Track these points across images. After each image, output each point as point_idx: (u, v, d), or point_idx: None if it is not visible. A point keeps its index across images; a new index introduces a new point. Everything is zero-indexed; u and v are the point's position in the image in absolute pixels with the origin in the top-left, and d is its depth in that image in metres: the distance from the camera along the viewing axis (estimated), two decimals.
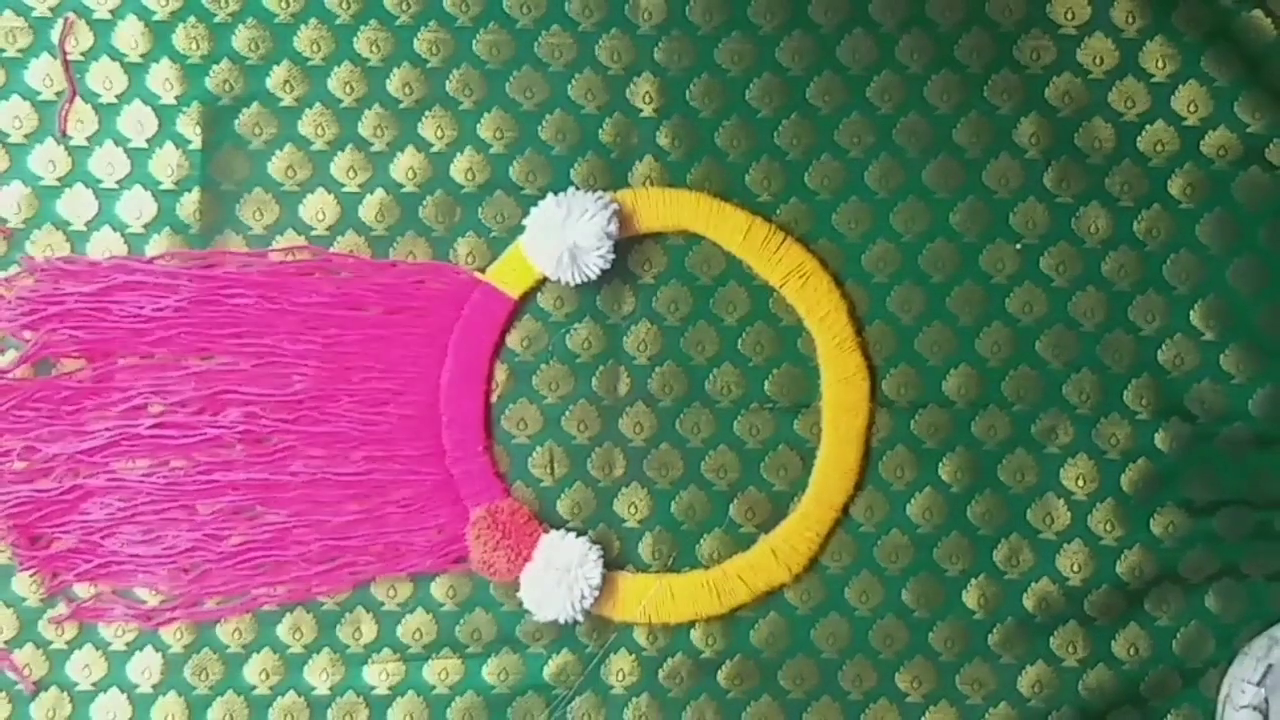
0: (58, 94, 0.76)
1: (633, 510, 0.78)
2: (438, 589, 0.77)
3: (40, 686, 0.76)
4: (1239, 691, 0.75)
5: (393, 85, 0.77)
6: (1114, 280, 0.78)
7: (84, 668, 0.76)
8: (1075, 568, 0.78)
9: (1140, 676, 0.78)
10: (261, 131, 0.77)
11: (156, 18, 0.76)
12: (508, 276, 0.77)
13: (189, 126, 0.76)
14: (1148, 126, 0.78)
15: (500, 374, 0.77)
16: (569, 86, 0.77)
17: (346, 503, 0.76)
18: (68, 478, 0.75)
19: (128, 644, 0.76)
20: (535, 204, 0.76)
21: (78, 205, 0.76)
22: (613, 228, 0.74)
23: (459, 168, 0.77)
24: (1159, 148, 0.78)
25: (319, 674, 0.77)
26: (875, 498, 0.78)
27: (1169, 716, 0.78)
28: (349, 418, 0.76)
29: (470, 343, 0.77)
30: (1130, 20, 0.78)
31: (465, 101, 0.77)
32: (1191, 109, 0.78)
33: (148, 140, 0.76)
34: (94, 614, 0.76)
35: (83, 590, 0.76)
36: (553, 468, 0.77)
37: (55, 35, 0.76)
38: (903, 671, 0.78)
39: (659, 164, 0.77)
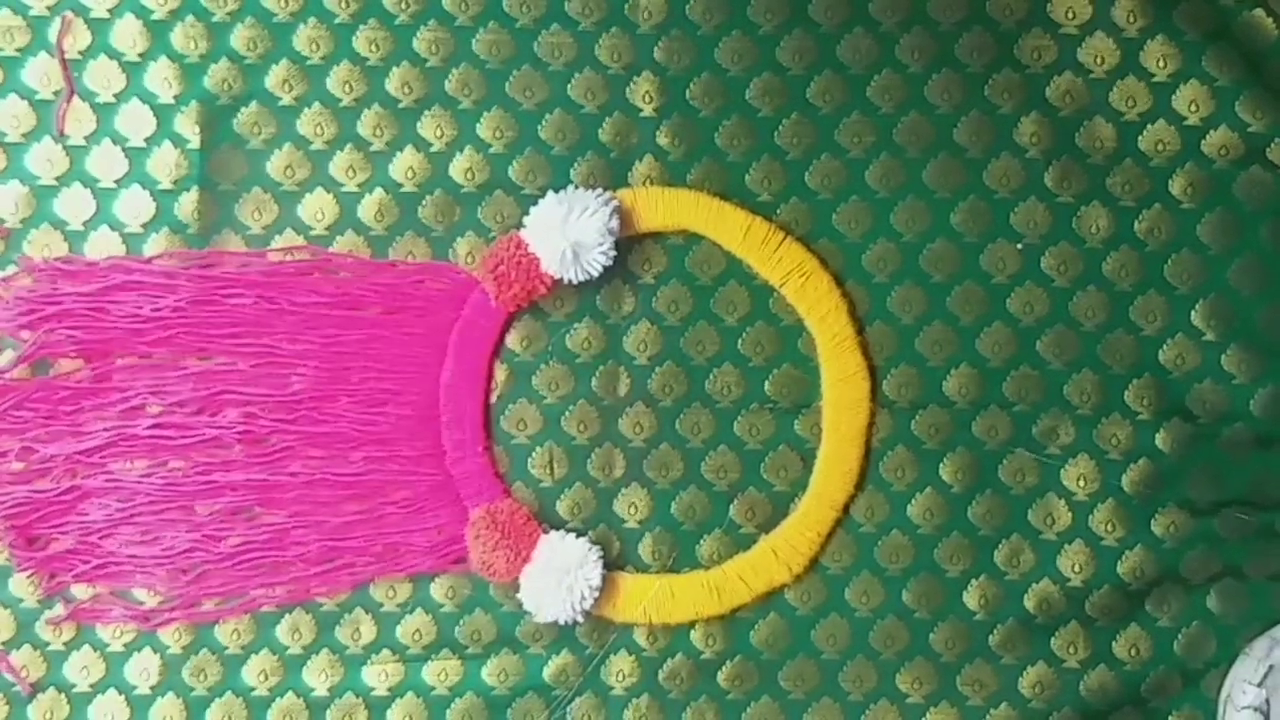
0: (55, 93, 0.76)
1: (633, 510, 0.78)
2: (437, 590, 0.77)
3: (38, 688, 0.76)
4: (1240, 692, 0.75)
5: (392, 85, 0.77)
6: (1115, 280, 0.78)
7: (82, 669, 0.76)
8: (1076, 568, 0.78)
9: (1141, 677, 0.78)
10: (260, 131, 0.76)
11: (155, 17, 0.76)
12: None
13: (187, 126, 0.76)
14: (1149, 126, 0.78)
15: (500, 374, 0.77)
16: (569, 86, 0.77)
17: (346, 503, 0.76)
18: (65, 478, 0.75)
19: (126, 645, 0.76)
20: (535, 204, 0.76)
21: (75, 205, 0.76)
22: (614, 224, 0.74)
23: (458, 167, 0.77)
24: (1160, 147, 0.78)
25: (318, 675, 0.77)
26: (876, 498, 0.78)
27: (1170, 717, 0.78)
28: (348, 418, 0.75)
29: (470, 343, 0.76)
30: (1131, 20, 0.78)
31: (465, 101, 0.77)
32: (1192, 109, 0.78)
33: (146, 140, 0.76)
34: (92, 615, 0.76)
35: (81, 591, 0.76)
36: (553, 468, 0.77)
37: (53, 34, 0.76)
38: (903, 672, 0.78)
39: (659, 164, 0.77)
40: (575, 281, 0.75)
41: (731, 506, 0.78)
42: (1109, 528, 0.78)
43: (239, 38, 0.76)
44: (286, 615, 0.77)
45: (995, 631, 0.78)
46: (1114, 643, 0.78)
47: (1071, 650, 0.78)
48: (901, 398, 0.78)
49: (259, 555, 0.76)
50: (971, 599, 0.78)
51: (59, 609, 0.76)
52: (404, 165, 0.77)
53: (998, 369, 0.78)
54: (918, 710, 0.78)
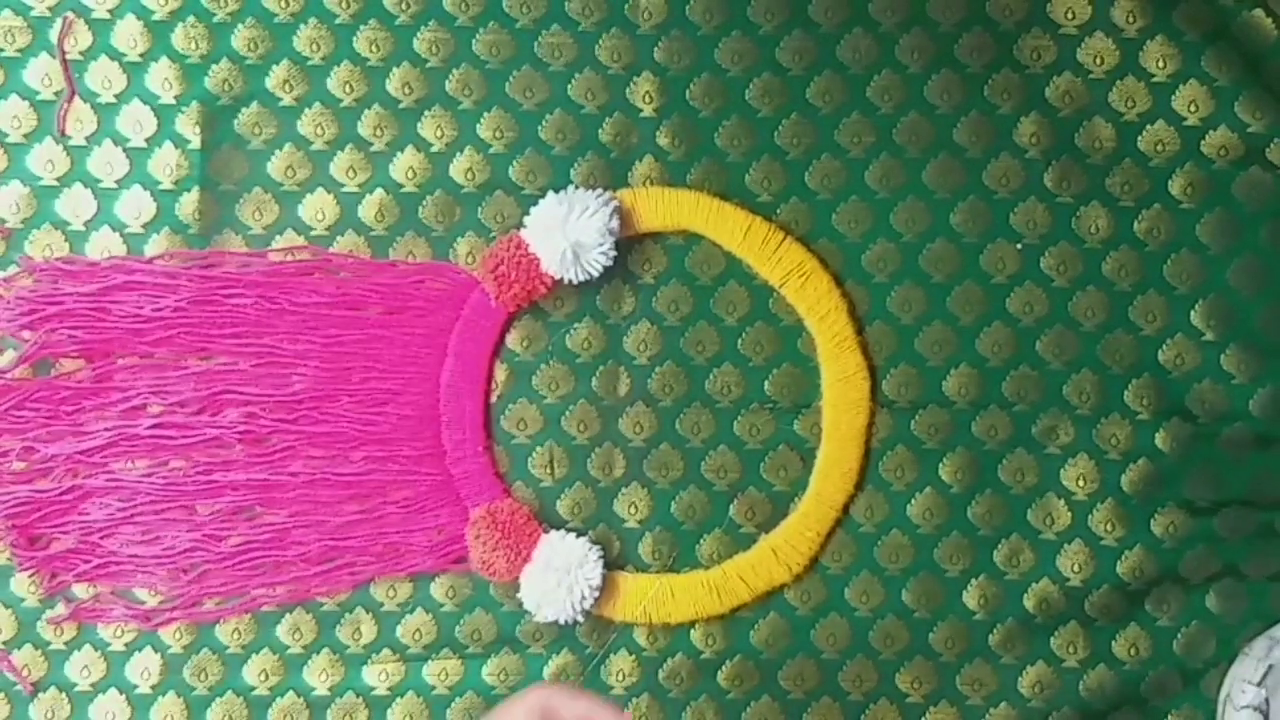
0: (56, 93, 0.76)
1: (633, 510, 0.78)
2: (438, 589, 0.77)
3: (39, 687, 0.76)
4: (1239, 692, 0.75)
5: (392, 85, 0.77)
6: (1114, 280, 0.78)
7: (83, 668, 0.76)
8: (1076, 568, 0.78)
9: (1141, 677, 0.78)
10: (261, 131, 0.77)
11: (155, 17, 0.76)
12: None
13: (188, 126, 0.76)
14: (1148, 126, 0.78)
15: (500, 374, 0.77)
16: (569, 86, 0.77)
17: (346, 503, 0.76)
18: (67, 478, 0.75)
19: (127, 644, 0.76)
20: (535, 204, 0.76)
21: (77, 205, 0.76)
22: (614, 224, 0.74)
23: (459, 168, 0.77)
24: (1159, 148, 0.78)
25: (318, 674, 0.77)
26: (875, 498, 0.78)
27: (1169, 717, 0.78)
28: (349, 418, 0.76)
29: (470, 343, 0.77)
30: (1131, 20, 0.78)
31: (465, 101, 0.77)
32: (1192, 109, 0.78)
33: (147, 140, 0.76)
34: (93, 614, 0.76)
35: (82, 591, 0.76)
36: (553, 468, 0.77)
37: (54, 34, 0.76)
38: (903, 672, 0.78)
39: (659, 164, 0.77)
40: (575, 281, 0.75)
41: (731, 506, 0.78)
42: (1108, 527, 0.78)
43: (240, 38, 0.76)
44: (287, 615, 0.77)
45: (995, 631, 0.78)
46: (1113, 642, 0.78)
47: (1071, 650, 0.78)
48: (901, 398, 0.78)
49: (260, 555, 0.76)
50: (971, 599, 0.78)
51: (60, 608, 0.76)
52: (404, 165, 0.77)
53: (997, 369, 0.78)
54: (917, 710, 0.78)
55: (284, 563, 0.76)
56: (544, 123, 0.77)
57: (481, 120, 0.77)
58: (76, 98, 0.76)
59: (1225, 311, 0.78)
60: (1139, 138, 0.78)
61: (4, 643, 0.76)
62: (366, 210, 0.77)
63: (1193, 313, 0.78)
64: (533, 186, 0.77)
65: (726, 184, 0.78)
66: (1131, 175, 0.78)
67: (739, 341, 0.78)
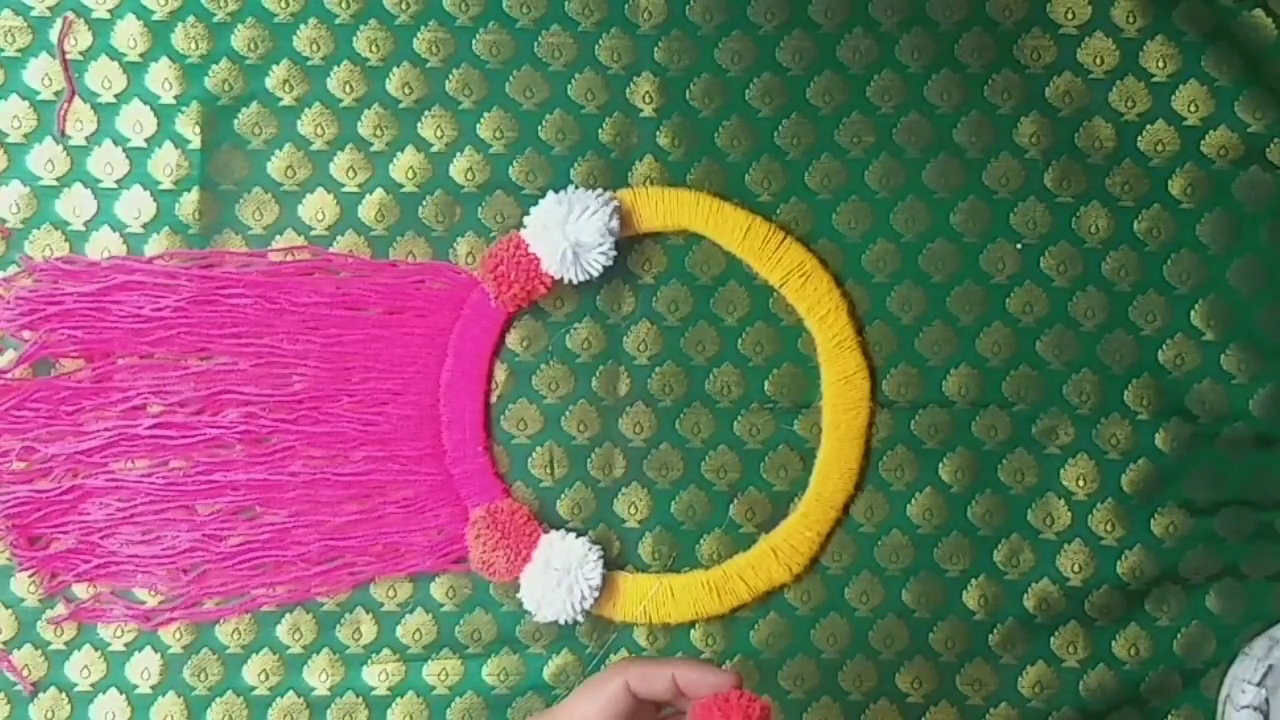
0: (56, 93, 0.76)
1: (633, 510, 0.78)
2: (438, 589, 0.77)
3: (39, 687, 0.76)
4: (1239, 692, 0.75)
5: (392, 85, 0.77)
6: (1114, 280, 0.78)
7: (83, 668, 0.76)
8: (1076, 568, 0.78)
9: (1141, 677, 0.78)
10: (261, 131, 0.77)
11: (155, 17, 0.76)
12: None
13: (188, 126, 0.76)
14: (1148, 126, 0.78)
15: (500, 374, 0.77)
16: (569, 86, 0.77)
17: (346, 503, 0.76)
18: (67, 478, 0.75)
19: (127, 645, 0.76)
20: (535, 204, 0.76)
21: (77, 205, 0.76)
22: (614, 224, 0.74)
23: (459, 168, 0.77)
24: (1159, 148, 0.78)
25: (318, 674, 0.77)
26: (875, 498, 0.78)
27: (1169, 717, 0.78)
28: (349, 418, 0.76)
29: (470, 343, 0.77)
30: (1131, 20, 0.78)
31: (465, 101, 0.77)
32: (1192, 109, 0.78)
33: (147, 140, 0.76)
34: (93, 615, 0.76)
35: (82, 591, 0.76)
36: (553, 468, 0.77)
37: (54, 35, 0.76)
38: (903, 672, 0.78)
39: (659, 164, 0.77)
40: (575, 281, 0.75)
41: (731, 506, 0.78)
42: (1108, 528, 0.78)
43: (240, 38, 0.76)
44: (287, 615, 0.77)
45: (995, 631, 0.78)
46: (1113, 642, 0.78)
47: (1071, 650, 0.78)
48: (901, 398, 0.78)
49: (260, 555, 0.76)
50: (971, 599, 0.78)
51: (60, 608, 0.76)
52: (404, 165, 0.77)
53: (997, 369, 0.78)
54: (917, 710, 0.78)
55: (284, 563, 0.76)
56: (544, 123, 0.77)
57: (481, 120, 0.77)
58: (76, 98, 0.76)
59: (1225, 311, 0.78)
60: (1139, 138, 0.78)
61: (4, 643, 0.76)
62: (366, 210, 0.77)
63: (1193, 313, 0.78)
64: (533, 186, 0.77)
65: (726, 184, 0.78)
66: (1131, 175, 0.78)
67: (739, 341, 0.78)
